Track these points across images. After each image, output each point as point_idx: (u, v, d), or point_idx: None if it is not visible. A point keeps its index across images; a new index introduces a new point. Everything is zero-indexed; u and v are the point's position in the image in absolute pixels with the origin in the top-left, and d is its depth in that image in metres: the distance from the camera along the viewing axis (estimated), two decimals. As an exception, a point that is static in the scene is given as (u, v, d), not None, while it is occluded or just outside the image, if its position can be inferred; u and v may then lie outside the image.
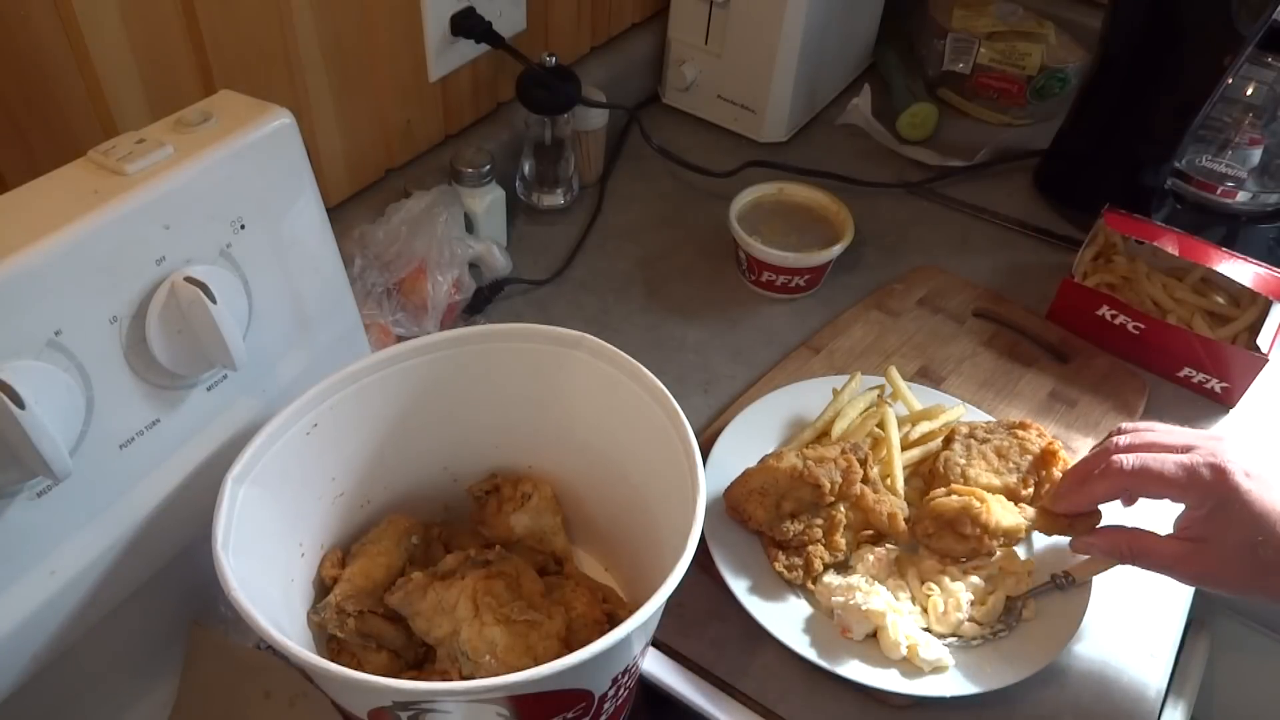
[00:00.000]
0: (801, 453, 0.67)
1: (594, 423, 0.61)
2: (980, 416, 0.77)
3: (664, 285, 0.95)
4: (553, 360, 0.60)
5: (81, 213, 0.45)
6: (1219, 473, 0.55)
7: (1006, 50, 1.16)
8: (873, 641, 0.63)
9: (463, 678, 0.54)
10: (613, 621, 0.58)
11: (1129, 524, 0.61)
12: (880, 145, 1.13)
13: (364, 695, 0.46)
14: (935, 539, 0.65)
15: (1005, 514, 0.65)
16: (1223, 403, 0.85)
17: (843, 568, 0.67)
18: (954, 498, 0.65)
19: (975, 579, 0.65)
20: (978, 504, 0.64)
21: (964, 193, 1.08)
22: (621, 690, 0.53)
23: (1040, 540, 0.69)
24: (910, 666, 0.61)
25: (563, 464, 0.65)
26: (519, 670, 0.42)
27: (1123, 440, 0.61)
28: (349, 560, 0.59)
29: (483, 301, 0.88)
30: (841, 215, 0.93)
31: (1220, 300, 0.87)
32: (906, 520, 0.67)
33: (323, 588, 0.58)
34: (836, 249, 0.90)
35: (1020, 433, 0.71)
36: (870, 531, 0.68)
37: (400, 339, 0.71)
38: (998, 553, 0.66)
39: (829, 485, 0.65)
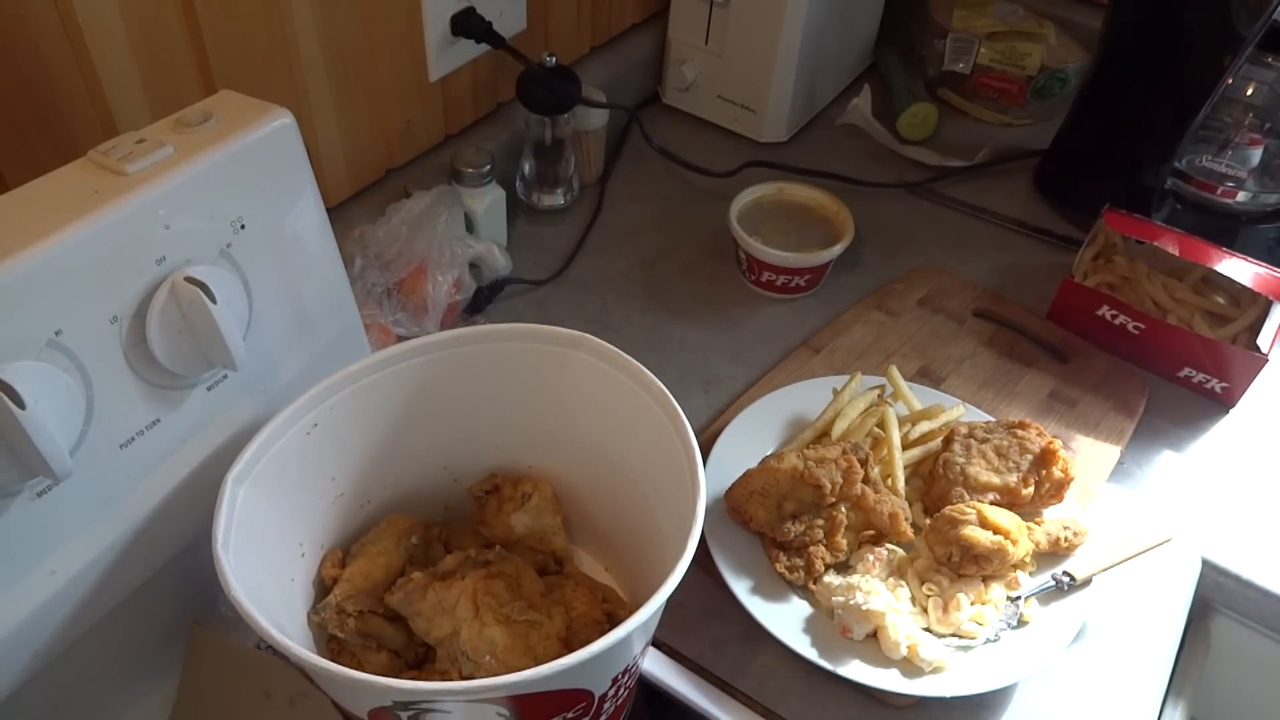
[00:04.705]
0: (802, 453, 0.67)
1: (594, 423, 0.61)
2: (980, 416, 0.77)
3: (664, 285, 0.95)
4: (553, 360, 0.60)
5: (81, 213, 0.45)
6: None
7: (1006, 50, 1.16)
8: (873, 641, 0.63)
9: (463, 678, 0.54)
10: (613, 621, 0.58)
11: None
12: (880, 145, 1.13)
13: (364, 695, 0.46)
14: (960, 566, 0.64)
15: (1026, 542, 0.65)
16: (1223, 403, 0.85)
17: (843, 568, 0.67)
18: (987, 535, 0.63)
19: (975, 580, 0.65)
20: (1011, 546, 0.63)
21: (964, 193, 1.08)
22: (621, 690, 0.53)
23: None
24: (910, 666, 0.61)
25: (563, 464, 0.65)
26: (519, 670, 0.42)
27: None
28: (349, 560, 0.59)
29: (483, 301, 0.88)
30: (841, 215, 0.93)
31: (1220, 300, 0.87)
32: (913, 525, 0.67)
33: (323, 588, 0.58)
34: (836, 249, 0.90)
35: (1020, 432, 0.71)
36: (871, 532, 0.68)
37: (400, 339, 0.71)
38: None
39: (830, 486, 0.65)
